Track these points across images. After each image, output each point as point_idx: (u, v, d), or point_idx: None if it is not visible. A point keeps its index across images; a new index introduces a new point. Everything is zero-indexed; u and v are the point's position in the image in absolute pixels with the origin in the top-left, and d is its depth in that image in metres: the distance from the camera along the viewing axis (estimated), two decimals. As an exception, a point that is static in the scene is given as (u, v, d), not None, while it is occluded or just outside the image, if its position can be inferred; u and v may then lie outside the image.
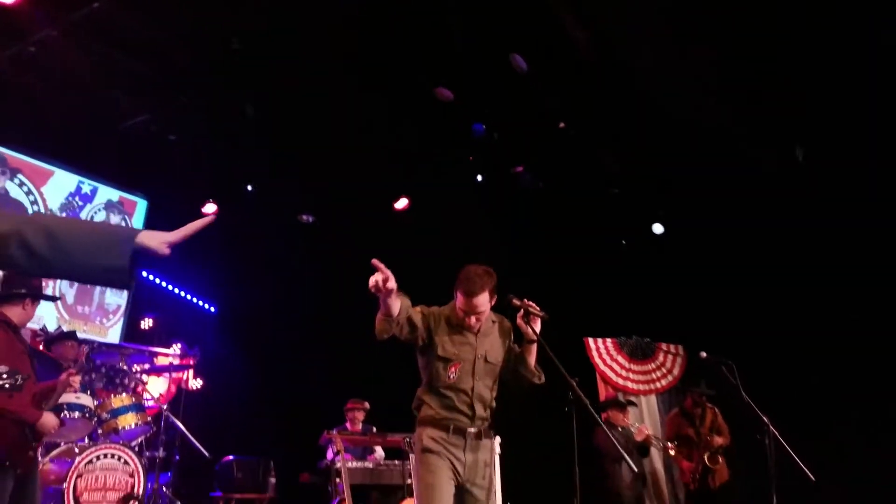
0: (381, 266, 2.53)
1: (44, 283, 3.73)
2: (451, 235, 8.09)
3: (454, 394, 2.92)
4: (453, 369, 2.93)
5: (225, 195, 8.00)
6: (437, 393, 2.92)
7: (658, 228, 7.96)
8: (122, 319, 7.15)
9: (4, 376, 1.97)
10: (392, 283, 2.55)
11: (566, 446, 6.05)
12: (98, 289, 6.95)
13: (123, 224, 7.34)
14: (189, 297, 8.19)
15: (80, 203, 6.89)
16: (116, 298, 7.14)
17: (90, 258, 1.42)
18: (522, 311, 3.10)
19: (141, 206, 7.67)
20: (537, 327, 3.09)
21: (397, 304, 2.69)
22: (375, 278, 2.53)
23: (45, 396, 3.52)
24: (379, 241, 8.18)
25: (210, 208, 7.90)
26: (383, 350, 7.86)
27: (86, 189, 6.96)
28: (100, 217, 7.04)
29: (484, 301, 2.91)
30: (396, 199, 8.32)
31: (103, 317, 6.99)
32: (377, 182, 7.92)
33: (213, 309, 8.55)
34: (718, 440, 5.81)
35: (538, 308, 3.09)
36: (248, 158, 7.68)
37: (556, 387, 3.31)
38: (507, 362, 3.12)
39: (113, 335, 7.03)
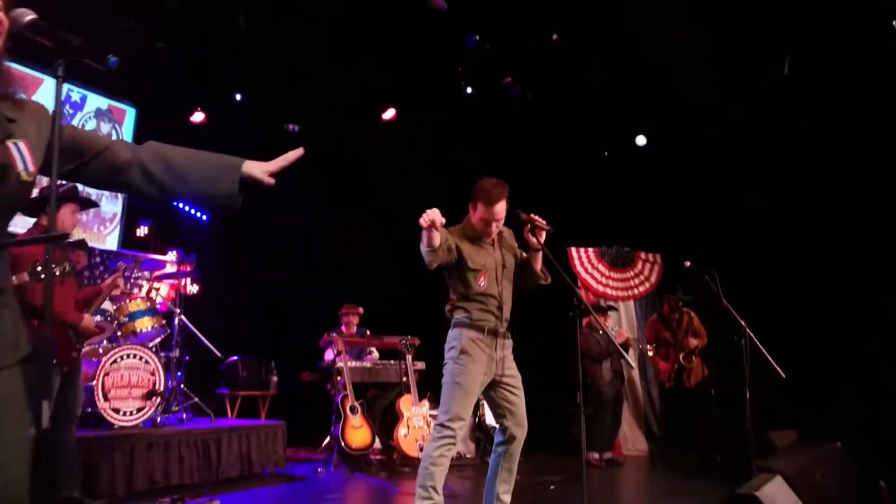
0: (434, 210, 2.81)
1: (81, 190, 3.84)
2: (438, 146, 8.25)
3: (485, 299, 3.23)
4: (482, 278, 3.23)
5: (213, 104, 7.99)
6: (470, 300, 3.21)
7: (641, 140, 8.20)
8: (118, 227, 7.27)
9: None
10: (442, 219, 2.81)
11: (566, 347, 6.55)
12: (93, 198, 7.02)
13: (115, 133, 7.34)
14: (182, 205, 8.30)
15: (71, 111, 6.85)
16: (112, 206, 7.24)
17: (203, 185, 1.60)
18: (529, 225, 3.38)
19: (130, 114, 7.63)
20: (542, 238, 3.38)
21: (438, 236, 2.94)
22: (431, 217, 2.78)
23: (90, 302, 3.74)
24: (365, 151, 8.33)
25: (198, 117, 7.92)
26: (371, 257, 8.16)
27: (75, 97, 6.90)
28: (90, 125, 7.02)
29: (503, 209, 3.21)
30: (384, 110, 8.38)
31: (100, 224, 7.10)
32: (365, 92, 7.97)
33: (204, 217, 8.69)
34: (693, 342, 6.30)
35: (544, 222, 3.37)
36: (235, 67, 7.64)
37: (556, 293, 3.64)
38: (517, 267, 3.43)
39: (111, 242, 7.17)
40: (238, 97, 7.95)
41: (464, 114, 8.08)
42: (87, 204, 3.99)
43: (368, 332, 7.09)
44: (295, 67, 7.48)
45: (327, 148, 8.35)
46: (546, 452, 6.12)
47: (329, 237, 8.51)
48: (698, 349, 6.27)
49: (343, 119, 8.22)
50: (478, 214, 3.24)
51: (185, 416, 5.34)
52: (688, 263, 4.54)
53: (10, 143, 1.35)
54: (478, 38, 7.10)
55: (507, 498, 3.33)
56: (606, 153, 8.53)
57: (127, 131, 7.57)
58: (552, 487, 4.80)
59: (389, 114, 8.41)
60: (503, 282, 3.32)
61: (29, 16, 1.42)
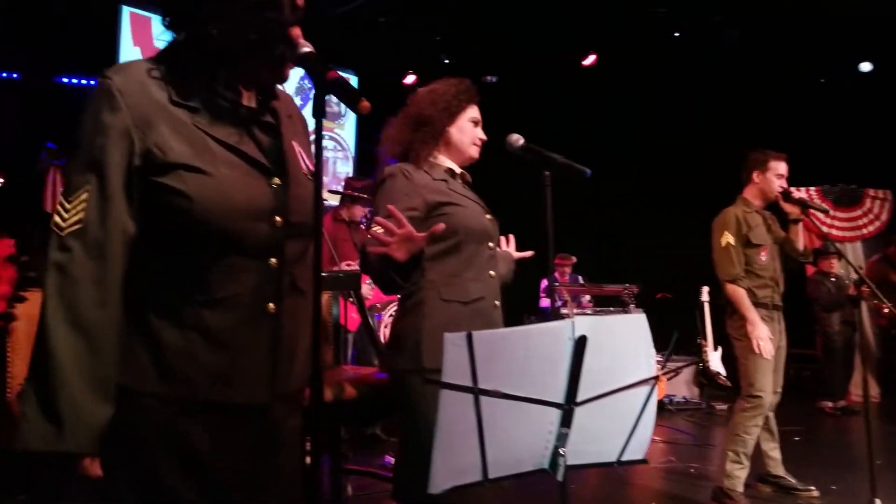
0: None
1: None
2: (641, 93, 8.21)
3: (766, 273, 3.41)
4: (763, 253, 3.42)
5: (423, 66, 8.57)
6: (753, 276, 3.39)
7: (866, 67, 7.67)
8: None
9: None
10: None
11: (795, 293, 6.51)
12: (331, 160, 8.04)
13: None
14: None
15: (309, 85, 7.72)
16: (345, 167, 8.19)
17: None
18: (785, 194, 3.52)
19: (352, 82, 8.42)
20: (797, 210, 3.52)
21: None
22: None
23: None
24: (564, 100, 8.48)
25: (409, 79, 8.58)
26: (577, 206, 8.38)
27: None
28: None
29: None
30: (584, 57, 8.41)
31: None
32: (564, 38, 8.08)
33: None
34: None
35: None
36: (444, 30, 8.13)
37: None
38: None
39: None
40: (447, 61, 8.43)
41: (670, 58, 7.96)
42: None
43: (581, 279, 7.48)
44: (493, 14, 7.79)
45: (527, 97, 8.64)
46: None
47: (527, 186, 8.87)
48: None
49: (541, 67, 8.44)
50: (776, 172, 3.47)
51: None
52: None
53: None
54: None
55: (777, 454, 3.62)
56: (823, 80, 8.05)
57: (350, 98, 8.40)
58: (796, 439, 4.98)
59: (590, 60, 8.44)
60: (777, 256, 3.50)
61: (521, 141, 1.87)
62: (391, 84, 8.61)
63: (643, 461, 1.19)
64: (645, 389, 1.13)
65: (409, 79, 8.60)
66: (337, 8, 7.67)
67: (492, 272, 1.90)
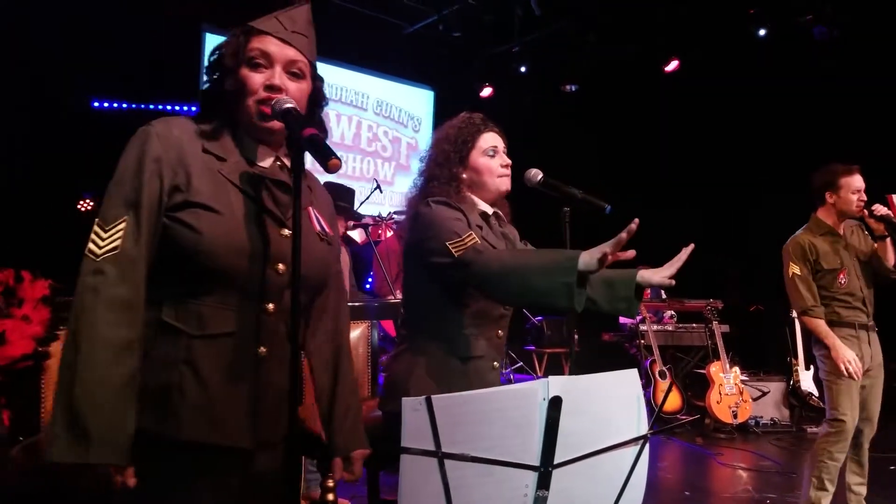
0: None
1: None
2: (728, 99, 7.86)
3: (850, 297, 3.21)
4: (841, 276, 3.21)
5: (499, 78, 8.56)
6: (835, 299, 3.20)
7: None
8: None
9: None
10: None
11: None
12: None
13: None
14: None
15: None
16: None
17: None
18: (869, 211, 3.28)
19: (429, 96, 8.58)
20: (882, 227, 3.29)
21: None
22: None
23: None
24: (646, 106, 8.23)
25: (486, 91, 8.57)
26: (659, 217, 8.11)
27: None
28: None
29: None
30: (666, 62, 8.15)
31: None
32: (645, 43, 7.87)
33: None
34: None
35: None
36: (519, 42, 8.10)
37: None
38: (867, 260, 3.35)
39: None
40: (523, 69, 8.37)
41: (756, 60, 7.60)
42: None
43: (664, 294, 7.21)
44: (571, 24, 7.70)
45: (606, 105, 8.45)
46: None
47: (617, 197, 8.64)
48: None
49: (622, 74, 8.24)
50: (851, 187, 3.24)
51: (511, 376, 6.04)
52: None
53: None
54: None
55: (863, 490, 3.35)
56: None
57: (427, 112, 8.56)
58: (892, 468, 4.62)
59: (672, 65, 8.16)
60: (861, 275, 3.28)
61: (539, 176, 1.83)
62: (467, 97, 8.69)
63: (635, 523, 1.13)
64: (633, 449, 1.07)
65: (486, 91, 8.60)
66: (411, 25, 7.82)
67: (500, 332, 1.83)
